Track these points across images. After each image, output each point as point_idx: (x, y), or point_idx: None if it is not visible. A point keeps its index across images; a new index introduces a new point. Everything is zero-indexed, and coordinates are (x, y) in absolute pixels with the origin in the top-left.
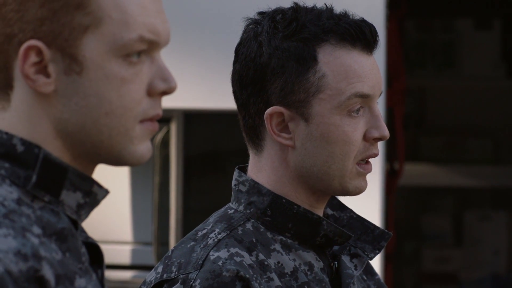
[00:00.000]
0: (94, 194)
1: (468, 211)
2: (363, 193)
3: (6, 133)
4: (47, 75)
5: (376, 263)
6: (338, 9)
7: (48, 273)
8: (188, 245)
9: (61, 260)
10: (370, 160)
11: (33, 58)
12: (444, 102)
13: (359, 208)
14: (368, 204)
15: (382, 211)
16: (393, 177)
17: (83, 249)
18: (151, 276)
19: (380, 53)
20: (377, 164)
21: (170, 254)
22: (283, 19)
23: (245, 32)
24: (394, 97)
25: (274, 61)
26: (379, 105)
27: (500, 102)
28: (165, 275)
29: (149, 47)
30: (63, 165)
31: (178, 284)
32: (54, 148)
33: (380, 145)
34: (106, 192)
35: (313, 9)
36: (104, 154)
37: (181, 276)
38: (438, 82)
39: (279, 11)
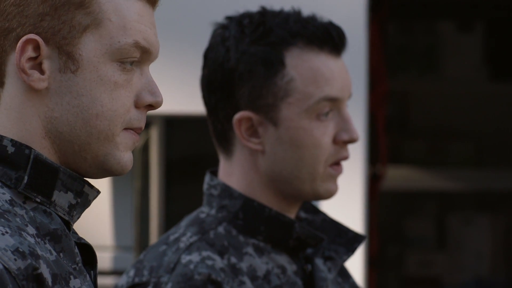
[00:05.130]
0: (85, 194)
1: (451, 214)
2: (346, 197)
3: None
4: (42, 71)
5: (359, 267)
6: (319, 12)
7: (45, 271)
8: (160, 249)
9: (56, 260)
10: (352, 163)
11: (29, 52)
12: (426, 105)
13: (342, 212)
14: (350, 208)
15: (364, 215)
16: (376, 181)
17: (76, 250)
18: (122, 280)
19: (362, 56)
20: (359, 168)
21: (142, 258)
22: (250, 23)
23: (212, 37)
24: (376, 101)
25: (242, 66)
26: (362, 109)
27: (483, 105)
28: (136, 279)
29: (142, 56)
30: (54, 166)
31: (150, 287)
32: (42, 147)
33: (363, 149)
34: (97, 192)
35: (281, 12)
36: (90, 159)
37: (153, 279)
38: (421, 85)
39: (246, 15)
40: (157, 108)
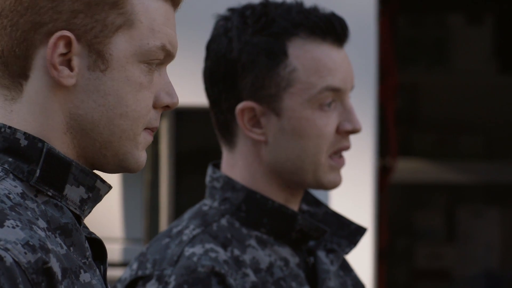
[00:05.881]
0: (97, 189)
1: (461, 207)
2: (356, 190)
3: (10, 127)
4: (71, 68)
5: (369, 259)
6: (330, 4)
7: (55, 265)
8: (163, 242)
9: (66, 254)
10: (362, 155)
11: (61, 48)
12: (436, 97)
13: (351, 204)
14: (360, 201)
15: (374, 208)
16: (385, 173)
17: (86, 244)
18: (126, 273)
19: (372, 49)
20: (369, 161)
21: (145, 251)
22: (252, 14)
23: (215, 28)
24: (386, 93)
25: (244, 57)
26: (371, 101)
27: (492, 98)
28: (140, 272)
29: (164, 58)
30: (66, 160)
31: (153, 280)
32: (62, 142)
33: (372, 141)
34: (109, 187)
35: (283, 3)
36: (110, 156)
37: (156, 272)
38: (430, 78)
39: (248, 7)
40: (173, 108)
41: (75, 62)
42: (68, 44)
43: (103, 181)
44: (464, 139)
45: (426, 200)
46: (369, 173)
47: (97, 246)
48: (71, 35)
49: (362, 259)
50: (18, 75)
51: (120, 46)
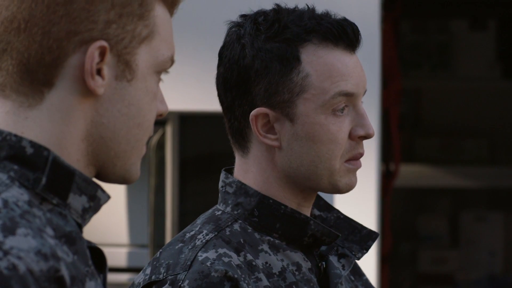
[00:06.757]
0: (98, 199)
1: (464, 212)
2: (359, 194)
3: (15, 135)
4: (102, 77)
5: (373, 264)
6: (334, 10)
7: (65, 273)
8: (176, 247)
9: (73, 262)
10: (366, 160)
11: (96, 58)
12: (439, 103)
13: (355, 209)
14: (364, 206)
15: (378, 213)
16: (389, 178)
17: (88, 253)
18: (139, 278)
19: (375, 54)
20: (372, 166)
21: (158, 255)
22: (265, 20)
23: (228, 35)
24: (389, 98)
25: (258, 63)
26: (375, 106)
27: (496, 103)
28: (153, 277)
29: (169, 67)
30: (70, 169)
31: (167, 285)
32: (77, 149)
33: (376, 146)
34: (108, 197)
35: (295, 10)
36: (119, 166)
37: (170, 277)
38: (434, 83)
39: (261, 13)
40: (163, 116)
41: (105, 71)
42: (102, 53)
43: (103, 191)
44: (467, 144)
45: (429, 205)
46: (373, 178)
47: (96, 255)
48: (107, 45)
49: (365, 263)
50: (42, 83)
51: (143, 57)
